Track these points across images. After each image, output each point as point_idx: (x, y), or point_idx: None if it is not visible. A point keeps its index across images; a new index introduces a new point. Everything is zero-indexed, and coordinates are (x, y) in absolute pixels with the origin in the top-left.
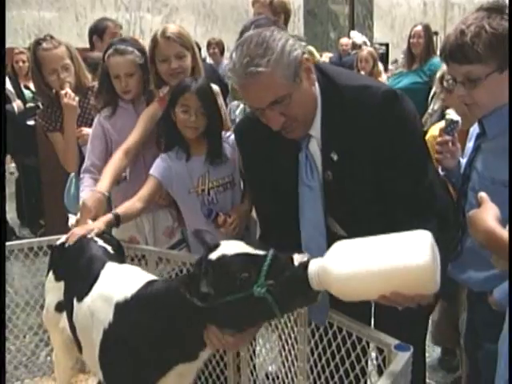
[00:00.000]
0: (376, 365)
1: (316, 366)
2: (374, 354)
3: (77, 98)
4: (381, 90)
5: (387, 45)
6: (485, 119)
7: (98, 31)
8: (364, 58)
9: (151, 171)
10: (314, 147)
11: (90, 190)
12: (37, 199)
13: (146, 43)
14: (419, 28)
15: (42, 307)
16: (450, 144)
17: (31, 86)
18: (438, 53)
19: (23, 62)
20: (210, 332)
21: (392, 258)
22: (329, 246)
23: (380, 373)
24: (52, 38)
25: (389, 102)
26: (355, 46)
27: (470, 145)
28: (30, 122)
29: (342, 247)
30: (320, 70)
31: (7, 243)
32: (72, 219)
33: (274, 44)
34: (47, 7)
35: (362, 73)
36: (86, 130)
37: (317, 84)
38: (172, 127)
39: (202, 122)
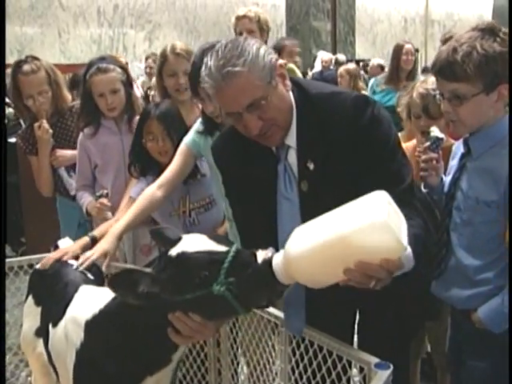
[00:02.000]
0: (358, 382)
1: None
2: (355, 372)
3: (50, 131)
4: (351, 96)
5: (369, 61)
6: (470, 139)
7: None
8: (340, 74)
9: (132, 194)
10: (293, 158)
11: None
12: (17, 217)
13: (128, 59)
14: (410, 46)
15: (21, 327)
16: (435, 161)
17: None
18: (420, 70)
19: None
20: (175, 318)
21: (347, 223)
22: None
23: None
24: (35, 58)
25: (360, 107)
26: (337, 63)
27: (453, 163)
28: (11, 140)
29: (299, 230)
30: (292, 80)
31: None
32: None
33: (248, 47)
34: (29, 23)
35: None
36: (61, 152)
37: (291, 93)
38: (144, 154)
39: (169, 145)
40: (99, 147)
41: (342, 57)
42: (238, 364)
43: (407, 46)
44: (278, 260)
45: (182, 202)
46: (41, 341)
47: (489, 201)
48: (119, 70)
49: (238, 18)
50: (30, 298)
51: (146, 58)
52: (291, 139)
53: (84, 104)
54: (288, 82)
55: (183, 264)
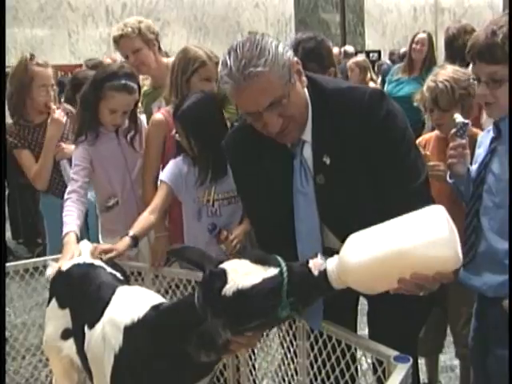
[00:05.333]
0: (376, 377)
1: (316, 380)
2: (365, 365)
3: (65, 118)
4: (368, 91)
5: (379, 52)
6: (501, 122)
7: None
8: (349, 67)
9: (162, 177)
10: (308, 152)
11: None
12: (33, 218)
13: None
14: (423, 35)
15: (40, 327)
16: (461, 148)
17: None
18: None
19: None
20: (235, 344)
21: (409, 237)
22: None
23: None
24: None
25: (377, 101)
26: (347, 55)
27: (480, 151)
28: None
29: (355, 238)
30: (306, 76)
31: None
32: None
33: (267, 45)
34: (39, 25)
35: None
36: (65, 145)
37: (305, 89)
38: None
39: (193, 143)
40: (99, 154)
41: (350, 48)
42: None
43: (419, 36)
44: (332, 267)
45: (208, 191)
46: (67, 343)
47: None
48: (137, 89)
49: (116, 40)
50: (54, 301)
51: None
52: (307, 134)
53: (87, 108)
54: (304, 79)
55: (243, 302)
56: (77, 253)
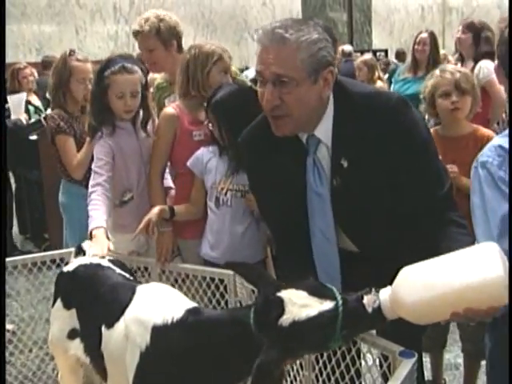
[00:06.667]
0: (381, 372)
1: (321, 375)
2: (371, 361)
3: None
4: (394, 97)
5: (386, 51)
6: None
7: None
8: (357, 66)
9: (192, 167)
10: (323, 153)
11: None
12: (40, 213)
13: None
14: (425, 35)
15: (46, 321)
16: None
17: (34, 101)
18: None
19: (25, 76)
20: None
21: (463, 276)
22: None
23: (386, 380)
24: None
25: (402, 108)
26: (345, 55)
27: None
28: (33, 137)
29: (408, 273)
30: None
31: (10, 258)
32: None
33: (310, 31)
34: (47, 21)
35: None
36: None
37: (330, 93)
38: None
39: (223, 132)
40: (119, 148)
41: (347, 47)
42: None
43: (421, 36)
44: (385, 301)
45: (224, 180)
46: (74, 343)
47: None
48: (140, 72)
49: (134, 35)
50: (59, 301)
51: None
52: (324, 134)
53: (97, 102)
54: (328, 91)
55: (298, 334)
56: (110, 247)
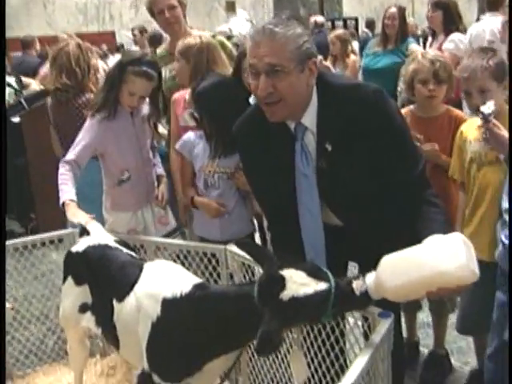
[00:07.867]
0: (362, 332)
1: (309, 336)
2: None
3: None
4: (371, 88)
5: (356, 19)
6: None
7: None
8: (331, 41)
9: (176, 146)
10: (309, 138)
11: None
12: (26, 194)
13: (115, 28)
14: (394, 10)
15: (42, 297)
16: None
17: (11, 82)
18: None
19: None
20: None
21: (435, 264)
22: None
23: (366, 338)
24: None
25: (380, 99)
26: (317, 25)
27: None
28: (16, 119)
29: (389, 262)
30: (318, 73)
31: (11, 241)
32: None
33: (296, 28)
34: None
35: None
36: None
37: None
38: None
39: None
40: (113, 130)
41: (320, 18)
42: None
43: (390, 11)
44: (371, 285)
45: (211, 162)
46: (85, 316)
47: None
48: (158, 76)
49: None
50: (70, 278)
51: (132, 30)
52: (309, 122)
53: (110, 90)
54: (313, 80)
55: (296, 307)
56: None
